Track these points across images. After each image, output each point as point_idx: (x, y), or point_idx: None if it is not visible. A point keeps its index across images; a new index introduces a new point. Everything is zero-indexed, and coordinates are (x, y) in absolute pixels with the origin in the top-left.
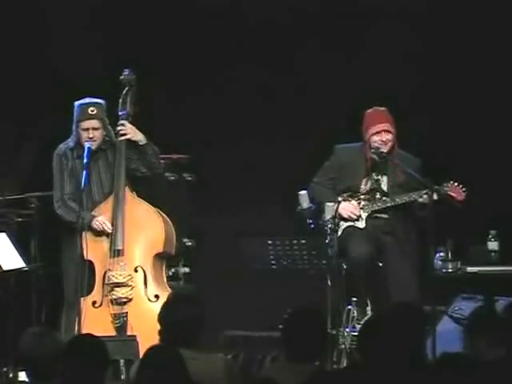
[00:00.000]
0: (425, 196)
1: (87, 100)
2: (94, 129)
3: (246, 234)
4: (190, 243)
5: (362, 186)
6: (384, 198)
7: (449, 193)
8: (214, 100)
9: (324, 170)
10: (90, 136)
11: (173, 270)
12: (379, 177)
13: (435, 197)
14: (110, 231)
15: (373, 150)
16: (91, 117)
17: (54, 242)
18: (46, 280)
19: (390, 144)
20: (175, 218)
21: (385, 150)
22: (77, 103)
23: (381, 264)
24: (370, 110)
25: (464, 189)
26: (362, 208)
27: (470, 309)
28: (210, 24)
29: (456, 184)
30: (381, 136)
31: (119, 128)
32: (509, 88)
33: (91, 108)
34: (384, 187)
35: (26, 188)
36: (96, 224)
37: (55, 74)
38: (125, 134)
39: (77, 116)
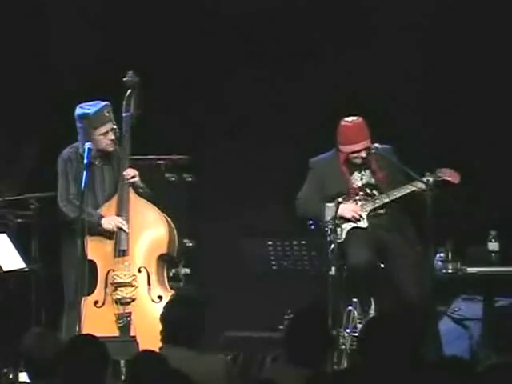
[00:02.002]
0: (419, 185)
1: (98, 105)
2: (112, 130)
3: (247, 235)
4: (190, 244)
5: (352, 187)
6: (377, 194)
7: (444, 178)
8: (214, 100)
9: (307, 186)
10: (112, 138)
11: (173, 270)
12: (362, 172)
13: (430, 179)
14: (127, 230)
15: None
16: (107, 119)
17: (54, 242)
18: (46, 280)
19: (366, 153)
20: (175, 219)
21: (359, 162)
22: (90, 110)
23: (382, 265)
24: (348, 124)
25: (458, 171)
26: (360, 206)
27: (470, 309)
28: (211, 26)
29: (448, 169)
30: (361, 153)
31: (129, 173)
32: (508, 89)
33: (106, 110)
34: (371, 180)
35: (26, 189)
36: (111, 224)
37: (55, 75)
38: (133, 177)
39: (94, 122)
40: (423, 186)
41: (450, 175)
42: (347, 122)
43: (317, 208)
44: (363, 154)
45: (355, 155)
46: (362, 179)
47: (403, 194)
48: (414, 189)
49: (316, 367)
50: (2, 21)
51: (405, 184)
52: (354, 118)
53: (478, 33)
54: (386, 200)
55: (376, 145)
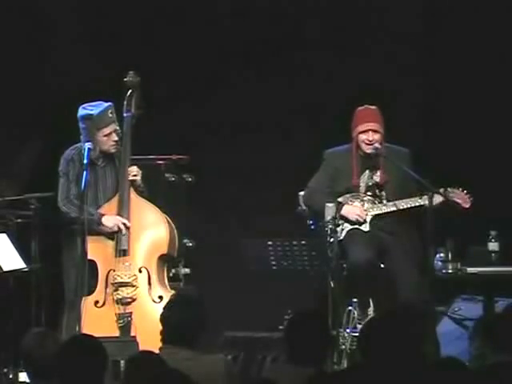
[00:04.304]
0: (427, 201)
1: (101, 106)
2: (115, 131)
3: (247, 235)
4: (190, 244)
5: (362, 184)
6: (384, 198)
7: (455, 199)
8: (214, 100)
9: (319, 175)
10: (116, 139)
11: (173, 270)
12: (373, 172)
13: (439, 199)
14: (124, 231)
15: (361, 153)
16: (111, 120)
17: (54, 242)
18: (46, 280)
19: (376, 144)
20: (175, 219)
21: (369, 151)
22: (93, 111)
23: (383, 265)
24: (360, 108)
25: (470, 196)
26: (365, 210)
27: (470, 310)
28: (211, 26)
29: (462, 190)
30: (367, 135)
31: (132, 171)
32: (508, 90)
33: (109, 111)
34: (379, 181)
35: (26, 189)
36: (111, 222)
37: (55, 75)
38: (135, 175)
39: (98, 123)
40: (430, 203)
41: (460, 198)
42: (360, 107)
43: (323, 200)
44: (370, 137)
45: (363, 137)
46: (372, 178)
47: (410, 206)
48: (422, 203)
49: (316, 367)
50: (3, 20)
51: (412, 190)
52: (369, 105)
53: (480, 33)
54: (393, 209)
55: (376, 145)
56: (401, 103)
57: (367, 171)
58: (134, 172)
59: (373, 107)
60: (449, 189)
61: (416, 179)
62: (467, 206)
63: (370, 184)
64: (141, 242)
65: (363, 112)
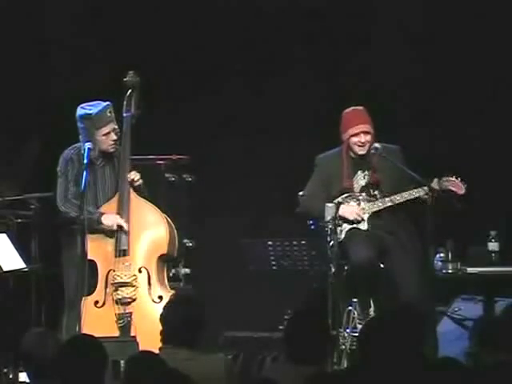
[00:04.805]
0: (422, 193)
1: (99, 105)
2: (114, 131)
3: (247, 235)
4: (190, 244)
5: (355, 185)
6: (379, 194)
7: (449, 187)
8: (214, 100)
9: (313, 182)
10: (114, 138)
11: (173, 270)
12: (366, 172)
13: (435, 188)
14: (126, 228)
15: (352, 155)
16: (109, 119)
17: (54, 242)
18: (46, 280)
19: (368, 145)
20: (175, 219)
21: (363, 153)
22: (92, 111)
23: (383, 265)
24: (347, 110)
25: (463, 182)
26: (362, 208)
27: (470, 310)
28: (210, 25)
29: (455, 178)
30: (359, 138)
31: (136, 178)
32: (509, 89)
33: (108, 110)
34: (373, 180)
35: (26, 189)
36: (111, 220)
37: (55, 75)
38: (138, 180)
39: (96, 123)
40: (426, 195)
41: (454, 185)
42: (347, 110)
43: (320, 206)
44: (362, 139)
45: (355, 140)
46: (364, 178)
47: (406, 199)
48: (417, 195)
49: (316, 367)
50: (3, 19)
51: (408, 187)
52: (356, 107)
53: (479, 32)
54: (389, 204)
55: (376, 144)
56: (400, 103)
57: (359, 172)
58: (137, 177)
59: (360, 108)
60: (443, 178)
61: (411, 176)
62: (462, 192)
63: (364, 184)
64: (141, 242)
65: (352, 114)
